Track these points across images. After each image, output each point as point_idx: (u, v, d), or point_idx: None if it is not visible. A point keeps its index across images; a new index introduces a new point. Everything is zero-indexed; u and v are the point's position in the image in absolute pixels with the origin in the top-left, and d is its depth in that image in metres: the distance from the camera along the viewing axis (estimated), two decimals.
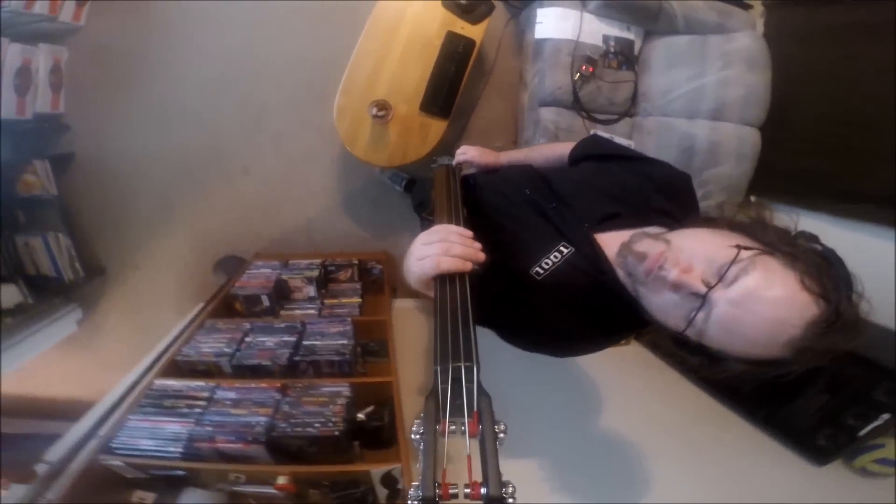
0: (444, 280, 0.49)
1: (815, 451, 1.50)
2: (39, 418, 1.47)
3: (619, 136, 2.00)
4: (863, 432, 1.39)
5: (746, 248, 0.54)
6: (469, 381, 0.38)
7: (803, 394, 1.55)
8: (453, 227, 0.55)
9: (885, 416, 1.35)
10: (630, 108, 2.05)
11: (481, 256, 0.52)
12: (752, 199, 0.62)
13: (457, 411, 0.37)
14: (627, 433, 1.66)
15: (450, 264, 0.49)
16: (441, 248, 0.51)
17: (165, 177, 2.13)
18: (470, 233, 0.55)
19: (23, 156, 1.86)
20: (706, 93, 1.91)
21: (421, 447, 0.34)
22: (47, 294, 1.90)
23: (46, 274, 1.92)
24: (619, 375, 1.93)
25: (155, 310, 2.05)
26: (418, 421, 0.36)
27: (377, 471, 1.15)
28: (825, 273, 0.52)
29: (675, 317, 0.58)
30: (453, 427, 0.36)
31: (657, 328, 0.65)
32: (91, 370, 1.84)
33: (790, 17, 2.00)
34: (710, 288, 0.54)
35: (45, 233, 1.92)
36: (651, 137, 1.99)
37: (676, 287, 0.56)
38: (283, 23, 2.02)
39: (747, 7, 1.99)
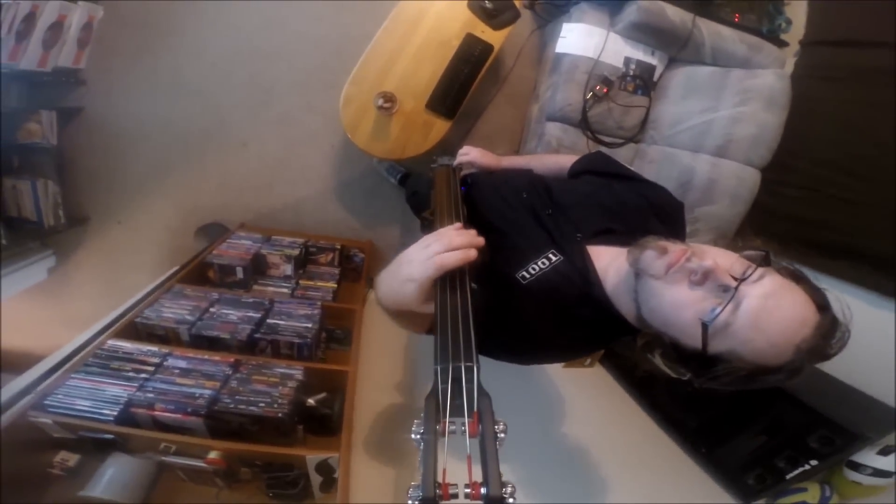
0: (444, 282, 0.49)
1: (743, 489, 1.55)
2: None
3: (620, 160, 1.96)
4: (790, 475, 1.43)
5: (759, 263, 0.56)
6: (469, 381, 0.38)
7: (743, 434, 1.58)
8: (447, 228, 0.54)
9: (813, 462, 1.39)
10: (637, 133, 2.01)
11: (480, 240, 0.53)
12: (740, 243, 0.64)
13: (457, 411, 0.37)
14: (577, 449, 1.68)
15: (454, 258, 0.49)
16: (441, 246, 0.51)
17: (166, 141, 2.12)
18: (460, 225, 0.55)
19: (32, 104, 1.86)
20: (715, 128, 1.87)
21: (421, 447, 0.34)
22: (23, 237, 1.87)
23: (27, 217, 1.89)
24: (580, 394, 1.95)
25: (129, 268, 2.02)
26: (418, 421, 0.35)
27: (313, 457, 1.11)
28: (820, 291, 0.56)
29: (695, 311, 0.56)
30: (453, 427, 0.36)
31: (649, 335, 0.63)
32: (53, 323, 1.80)
33: (820, 58, 1.96)
34: (740, 281, 0.54)
35: (36, 179, 1.90)
36: (652, 166, 1.95)
37: (705, 277, 0.56)
38: (306, 8, 2.02)
39: (782, 44, 1.95)
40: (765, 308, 0.53)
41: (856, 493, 1.41)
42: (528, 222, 0.78)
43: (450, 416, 0.37)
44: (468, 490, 0.31)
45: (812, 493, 1.44)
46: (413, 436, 0.34)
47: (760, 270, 0.55)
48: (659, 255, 0.60)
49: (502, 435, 0.35)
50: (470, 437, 0.35)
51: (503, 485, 0.31)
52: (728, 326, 0.54)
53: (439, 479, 0.31)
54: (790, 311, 0.53)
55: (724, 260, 0.57)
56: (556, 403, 1.90)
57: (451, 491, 0.31)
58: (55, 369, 1.21)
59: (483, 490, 0.31)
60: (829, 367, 1.51)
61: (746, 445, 1.56)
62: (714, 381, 0.57)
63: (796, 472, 1.41)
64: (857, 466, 1.37)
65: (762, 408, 1.54)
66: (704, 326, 0.55)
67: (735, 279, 0.54)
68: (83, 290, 1.95)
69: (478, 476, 0.32)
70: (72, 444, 1.08)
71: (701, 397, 1.68)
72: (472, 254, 0.50)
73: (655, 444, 1.79)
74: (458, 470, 0.32)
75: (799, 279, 0.57)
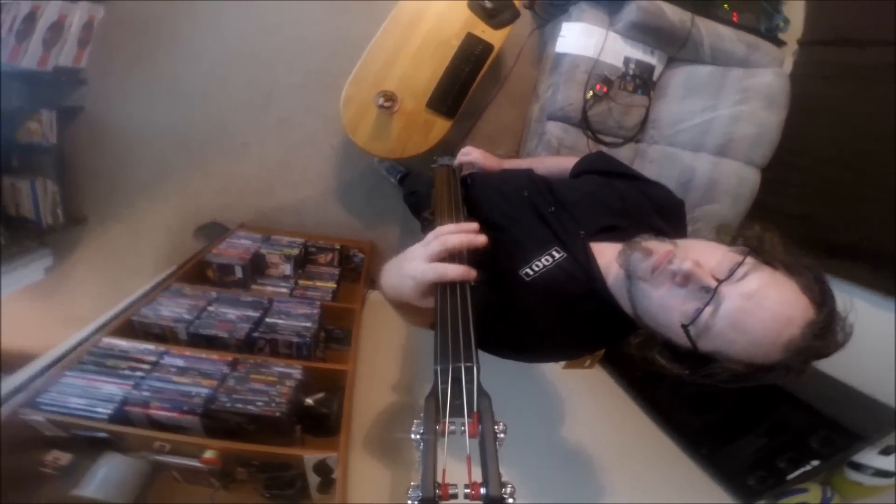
0: (444, 283, 0.49)
1: (744, 490, 1.54)
2: None
3: (620, 160, 1.97)
4: (791, 476, 1.43)
5: (751, 255, 0.55)
6: (469, 381, 0.38)
7: (745, 435, 1.58)
8: (453, 238, 0.52)
9: (814, 463, 1.38)
10: (637, 133, 2.01)
11: (481, 239, 0.52)
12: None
13: (456, 411, 0.37)
14: (577, 450, 1.68)
15: (455, 272, 0.49)
16: (439, 245, 0.50)
17: (166, 143, 2.12)
18: (466, 237, 0.53)
19: (33, 104, 1.86)
20: (715, 127, 1.87)
21: (421, 447, 0.34)
22: (21, 236, 1.86)
23: (25, 216, 1.88)
24: (580, 396, 1.94)
25: (128, 268, 2.01)
26: (418, 421, 0.35)
27: (310, 457, 1.09)
28: (820, 285, 0.54)
29: (679, 312, 0.56)
30: (453, 427, 0.36)
31: (646, 333, 0.64)
32: (50, 322, 1.77)
33: (820, 56, 1.97)
34: (721, 282, 0.53)
35: (35, 178, 1.90)
36: (653, 166, 1.95)
37: (686, 279, 0.55)
38: (305, 10, 2.03)
39: (780, 44, 1.95)
40: (744, 309, 0.52)
41: (857, 493, 1.41)
42: (531, 219, 0.78)
43: (450, 416, 0.37)
44: (468, 490, 0.31)
45: (813, 493, 1.44)
46: (413, 436, 0.34)
47: (746, 267, 0.54)
48: (644, 257, 0.60)
49: (502, 435, 0.35)
50: (470, 437, 0.35)
51: (503, 485, 0.31)
52: (710, 329, 0.54)
53: (439, 480, 0.31)
54: (773, 310, 0.51)
55: (710, 258, 0.56)
56: (557, 405, 1.89)
57: (450, 491, 0.31)
58: (48, 367, 1.19)
59: (483, 490, 0.31)
60: (830, 367, 1.52)
61: (748, 446, 1.56)
62: (709, 378, 0.57)
63: (797, 472, 1.41)
64: (858, 467, 1.37)
65: (764, 409, 1.53)
66: (685, 329, 0.55)
67: (717, 279, 0.54)
68: (81, 289, 1.94)
69: (477, 476, 0.31)
70: (65, 442, 1.06)
71: (701, 398, 1.69)
72: (473, 274, 0.49)
73: (656, 445, 1.78)
74: (457, 470, 0.32)
75: (795, 272, 0.54)
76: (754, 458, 1.53)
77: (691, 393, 1.69)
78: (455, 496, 0.31)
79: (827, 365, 1.49)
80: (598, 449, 1.67)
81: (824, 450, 1.36)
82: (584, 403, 1.91)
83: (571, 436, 1.74)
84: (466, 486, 0.31)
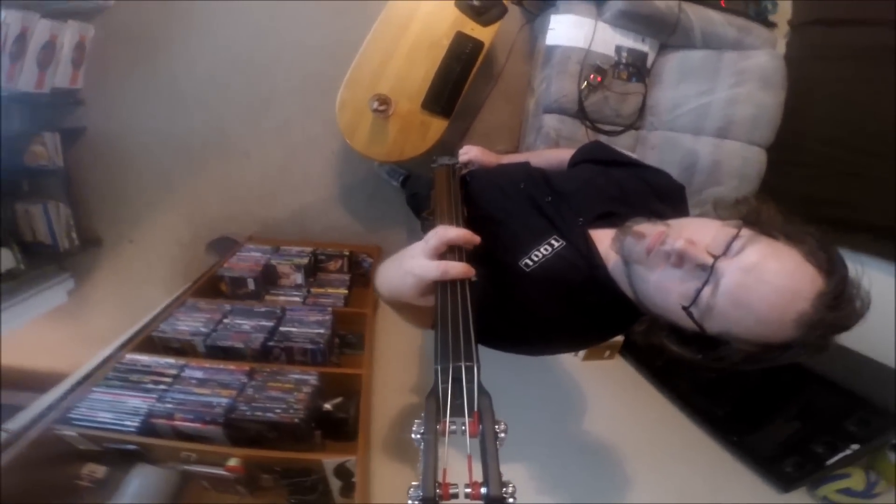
0: (445, 282, 0.49)
1: (781, 477, 1.50)
2: (16, 389, 1.47)
3: (621, 148, 1.97)
4: (830, 461, 1.37)
5: (748, 227, 0.52)
6: (469, 380, 0.38)
7: (775, 420, 1.53)
8: (451, 230, 0.52)
9: (855, 447, 1.32)
10: (636, 121, 2.01)
11: (476, 239, 0.52)
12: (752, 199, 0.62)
13: (457, 411, 0.37)
14: (603, 443, 1.66)
15: (458, 269, 0.48)
16: (437, 241, 0.50)
17: (169, 156, 2.15)
18: (464, 231, 0.53)
19: (35, 127, 1.90)
20: (713, 110, 1.87)
21: (421, 447, 0.34)
22: (40, 261, 1.92)
23: (42, 241, 1.94)
24: (602, 387, 1.92)
25: (145, 285, 2.06)
26: (418, 421, 0.35)
27: (330, 461, 1.12)
28: (826, 251, 0.50)
29: (678, 294, 0.54)
30: (453, 427, 0.36)
31: (650, 319, 0.62)
32: (76, 342, 1.84)
33: (813, 38, 1.96)
34: (717, 258, 0.51)
35: (46, 202, 1.95)
36: (654, 152, 1.95)
37: (681, 259, 0.53)
38: (300, 14, 2.04)
39: (770, 25, 1.94)
40: (744, 284, 0.49)
41: None
42: (528, 211, 0.78)
43: (450, 415, 0.37)
44: (468, 490, 0.31)
45: (856, 479, 1.38)
46: (413, 435, 0.34)
47: (742, 240, 0.51)
48: (637, 240, 0.58)
49: (503, 435, 0.35)
50: (470, 436, 0.35)
51: (504, 484, 0.31)
52: (712, 308, 0.51)
53: (439, 479, 0.31)
54: (775, 283, 0.48)
55: (704, 234, 0.54)
56: (579, 398, 1.88)
57: (451, 491, 0.31)
58: (78, 385, 1.25)
59: (483, 490, 0.31)
60: (859, 344, 1.47)
61: (779, 432, 1.52)
62: (722, 361, 0.54)
63: (837, 457, 1.35)
64: None
65: (792, 392, 1.48)
66: (687, 311, 0.53)
67: (713, 256, 0.51)
68: (102, 309, 1.99)
69: (478, 476, 0.31)
70: (98, 455, 1.11)
71: (724, 384, 1.66)
72: (473, 272, 0.49)
73: (684, 434, 1.75)
74: (458, 470, 0.32)
75: (797, 240, 0.51)
76: (788, 443, 1.48)
77: (712, 378, 1.65)
78: (456, 496, 0.31)
79: (856, 342, 1.38)
80: (626, 441, 1.65)
81: (862, 432, 1.30)
82: (607, 395, 1.90)
83: (598, 429, 1.72)
84: (467, 486, 0.31)
